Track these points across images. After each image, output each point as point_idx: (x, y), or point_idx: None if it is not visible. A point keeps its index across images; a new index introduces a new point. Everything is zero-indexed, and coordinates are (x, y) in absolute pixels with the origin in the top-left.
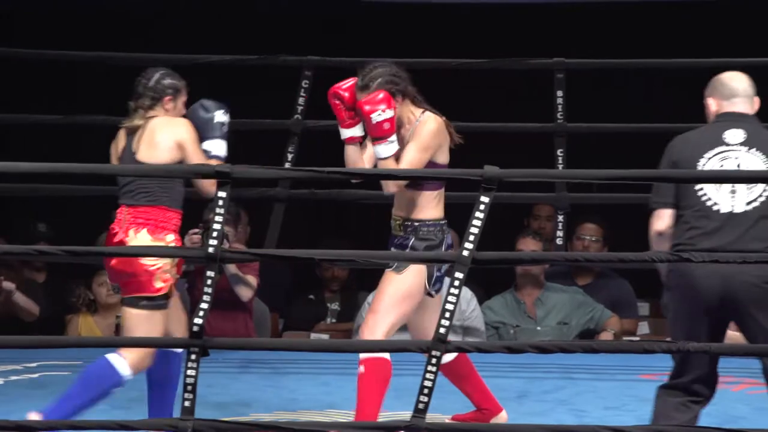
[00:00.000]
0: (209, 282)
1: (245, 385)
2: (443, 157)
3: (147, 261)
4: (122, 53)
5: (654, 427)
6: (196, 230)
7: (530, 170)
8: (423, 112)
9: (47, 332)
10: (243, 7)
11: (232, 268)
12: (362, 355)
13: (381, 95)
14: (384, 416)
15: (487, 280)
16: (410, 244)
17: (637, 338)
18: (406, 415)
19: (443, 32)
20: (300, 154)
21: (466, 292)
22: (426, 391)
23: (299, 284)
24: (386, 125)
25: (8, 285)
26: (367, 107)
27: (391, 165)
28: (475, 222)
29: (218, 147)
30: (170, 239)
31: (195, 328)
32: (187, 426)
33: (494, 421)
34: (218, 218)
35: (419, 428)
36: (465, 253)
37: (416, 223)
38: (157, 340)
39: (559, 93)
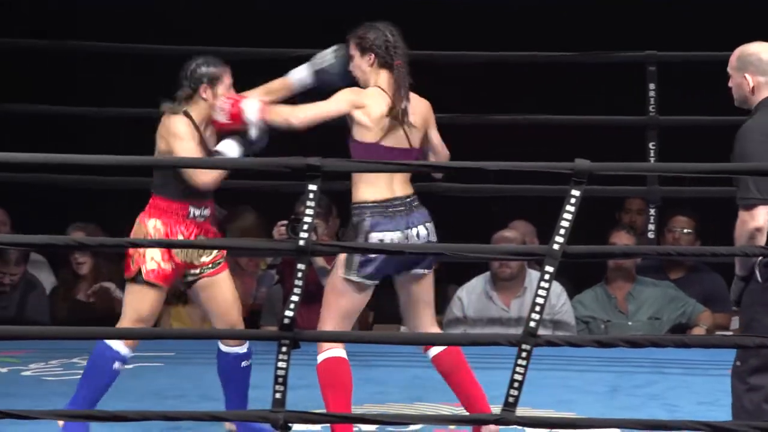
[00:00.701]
0: (300, 275)
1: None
2: (365, 133)
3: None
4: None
5: (753, 424)
6: (284, 222)
7: (621, 163)
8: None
9: None
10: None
11: (319, 261)
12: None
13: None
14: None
15: (577, 275)
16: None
17: (730, 333)
18: (495, 408)
19: (531, 26)
20: None
21: (556, 287)
22: (516, 384)
23: (389, 277)
24: (231, 117)
25: (107, 284)
26: None
27: (274, 111)
28: (566, 216)
29: (229, 148)
30: (151, 224)
31: (286, 321)
32: (278, 418)
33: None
34: (309, 211)
35: (509, 421)
36: (555, 246)
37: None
38: (248, 332)
39: (651, 86)
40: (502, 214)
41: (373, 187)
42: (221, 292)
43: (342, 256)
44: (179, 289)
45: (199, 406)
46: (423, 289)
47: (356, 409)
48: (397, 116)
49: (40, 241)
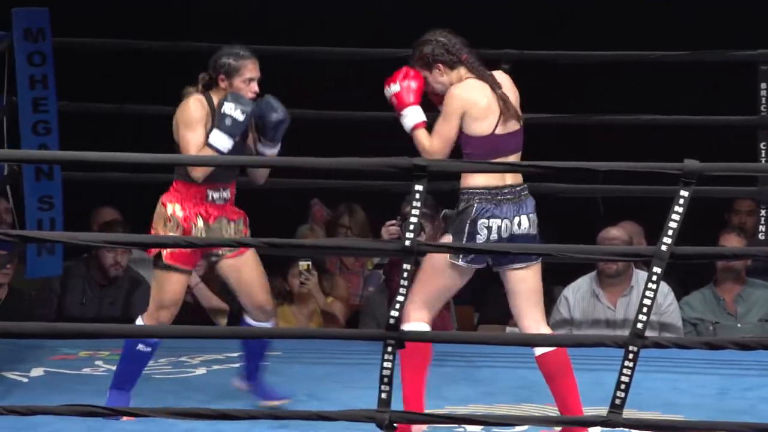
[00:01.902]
0: (405, 275)
1: (440, 378)
2: (477, 127)
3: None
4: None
5: None
6: (394, 222)
7: (732, 164)
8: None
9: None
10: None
11: None
12: None
13: (397, 73)
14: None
15: (685, 277)
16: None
17: None
18: (602, 410)
19: (639, 25)
20: None
21: (663, 286)
22: (623, 386)
23: (495, 277)
24: (393, 100)
25: (194, 278)
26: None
27: (418, 136)
28: (674, 216)
29: (220, 140)
30: (170, 208)
31: (391, 321)
32: (384, 418)
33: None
34: (415, 211)
35: (616, 423)
36: (663, 247)
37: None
38: (354, 332)
39: (763, 85)
40: (609, 215)
41: (484, 174)
42: (246, 273)
43: (448, 238)
44: (284, 289)
45: (307, 405)
46: (524, 283)
47: (461, 409)
48: (499, 102)
49: (151, 240)
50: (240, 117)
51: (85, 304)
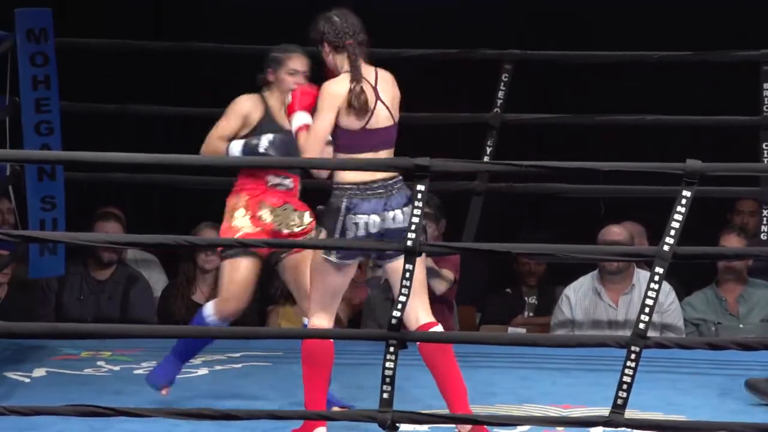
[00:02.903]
0: (407, 275)
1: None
2: (347, 121)
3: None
4: None
5: None
6: None
7: (734, 164)
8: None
9: (249, 323)
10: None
11: (428, 262)
12: None
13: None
14: (582, 411)
15: (687, 277)
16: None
17: None
18: (604, 410)
19: (642, 25)
20: (499, 148)
21: (665, 286)
22: (625, 386)
23: (496, 278)
24: (287, 111)
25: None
26: None
27: (297, 137)
28: (677, 216)
29: (235, 148)
30: (238, 198)
31: (393, 321)
32: (386, 418)
33: None
34: (417, 211)
35: (618, 423)
36: (665, 247)
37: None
38: (356, 332)
39: (766, 86)
40: (611, 215)
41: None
42: (306, 270)
43: (323, 235)
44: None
45: None
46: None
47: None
48: (360, 97)
49: (152, 240)
50: (260, 150)
51: (83, 300)
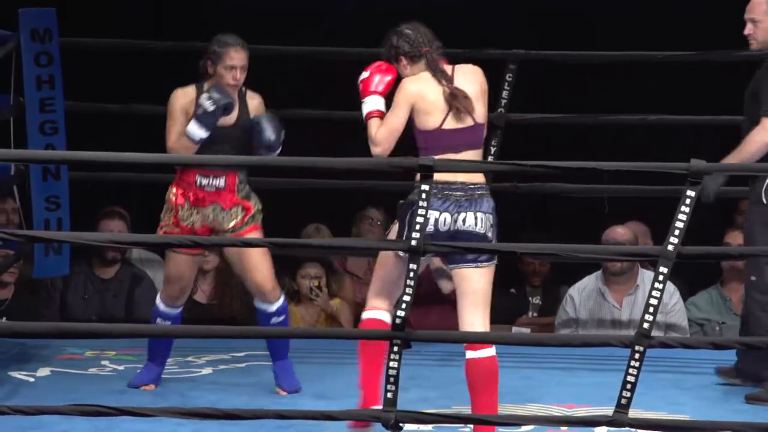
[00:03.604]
0: (411, 274)
1: (446, 378)
2: (425, 120)
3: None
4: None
5: None
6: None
7: (738, 164)
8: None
9: (254, 323)
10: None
11: (436, 262)
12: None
13: (373, 63)
14: (586, 410)
15: (691, 277)
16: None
17: None
18: (608, 410)
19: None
20: (503, 148)
21: (669, 286)
22: (629, 386)
23: (500, 278)
24: (360, 87)
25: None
26: None
27: (369, 124)
28: (681, 216)
29: (192, 128)
30: (171, 191)
31: (397, 321)
32: (389, 417)
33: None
34: (421, 211)
35: (622, 423)
36: (670, 247)
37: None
38: (360, 331)
39: None
40: (615, 215)
41: None
42: (248, 256)
43: (395, 231)
44: (292, 288)
45: (313, 405)
46: (472, 282)
47: (467, 409)
48: (447, 96)
49: (156, 240)
50: (209, 107)
51: (88, 298)
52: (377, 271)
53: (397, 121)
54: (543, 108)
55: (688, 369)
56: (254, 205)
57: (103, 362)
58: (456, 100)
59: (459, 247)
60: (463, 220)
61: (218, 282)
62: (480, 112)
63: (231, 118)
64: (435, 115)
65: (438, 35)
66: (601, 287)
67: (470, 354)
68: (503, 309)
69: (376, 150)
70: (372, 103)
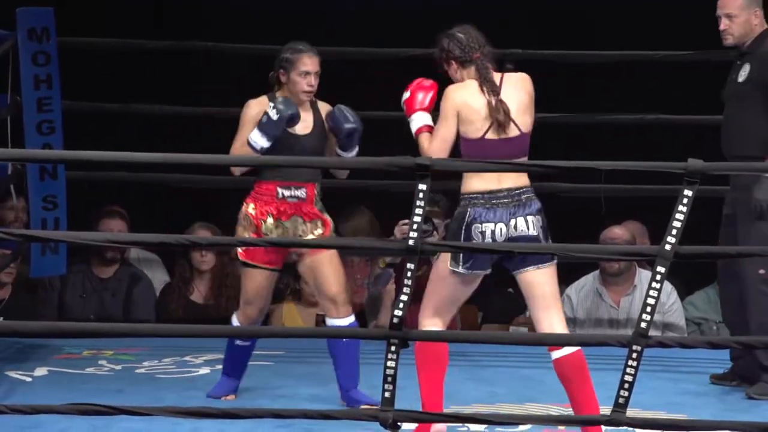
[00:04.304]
0: (409, 274)
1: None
2: (468, 129)
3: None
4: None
5: None
6: (406, 221)
7: (736, 163)
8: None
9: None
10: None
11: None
12: None
13: (413, 82)
14: None
15: (688, 277)
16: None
17: None
18: (606, 409)
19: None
20: None
21: (667, 286)
22: (626, 385)
23: (498, 277)
24: (404, 106)
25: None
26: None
27: (420, 140)
28: (678, 216)
29: (254, 137)
30: (247, 207)
31: (395, 320)
32: (387, 417)
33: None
34: (418, 210)
35: (620, 422)
36: (667, 246)
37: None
38: (357, 331)
39: None
40: (613, 214)
41: (479, 178)
42: (323, 270)
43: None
44: (294, 287)
45: (311, 404)
46: (536, 285)
47: (466, 409)
48: (492, 107)
49: (154, 239)
50: (274, 116)
51: (86, 297)
52: (432, 289)
53: (447, 130)
54: (540, 107)
55: (686, 368)
56: (329, 219)
57: (100, 362)
58: (498, 114)
59: (460, 247)
60: (515, 226)
61: (215, 282)
62: (526, 121)
63: (307, 127)
64: (478, 125)
65: (438, 35)
66: (599, 287)
67: (556, 354)
68: (501, 308)
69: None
70: (419, 120)
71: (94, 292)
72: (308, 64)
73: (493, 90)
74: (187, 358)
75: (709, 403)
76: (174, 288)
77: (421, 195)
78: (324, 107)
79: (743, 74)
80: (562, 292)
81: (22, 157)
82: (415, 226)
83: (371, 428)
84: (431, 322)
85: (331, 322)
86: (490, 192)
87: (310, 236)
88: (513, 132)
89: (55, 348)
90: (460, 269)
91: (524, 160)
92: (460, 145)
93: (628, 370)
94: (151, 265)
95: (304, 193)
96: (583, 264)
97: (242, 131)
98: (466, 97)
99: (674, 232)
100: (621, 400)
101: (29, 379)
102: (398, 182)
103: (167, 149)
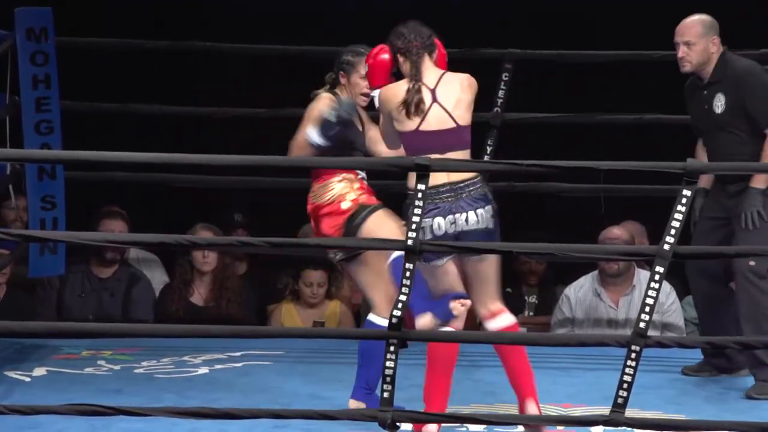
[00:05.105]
0: (408, 274)
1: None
2: (399, 124)
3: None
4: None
5: None
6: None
7: (733, 163)
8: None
9: (250, 323)
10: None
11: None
12: None
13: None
14: (583, 410)
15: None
16: None
17: None
18: (605, 409)
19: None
20: (499, 147)
21: (665, 286)
22: (625, 385)
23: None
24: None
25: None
26: None
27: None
28: (677, 216)
29: (311, 134)
30: (336, 178)
31: (393, 320)
32: (386, 417)
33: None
34: (417, 210)
35: (618, 422)
36: (666, 246)
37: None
38: (355, 331)
39: None
40: (611, 214)
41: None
42: (483, 271)
43: None
44: (294, 288)
45: (309, 404)
46: (481, 269)
47: (465, 409)
48: (413, 100)
49: (153, 239)
50: (332, 118)
51: (85, 297)
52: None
53: (383, 127)
54: (539, 107)
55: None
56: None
57: (99, 362)
58: (411, 97)
59: (455, 247)
60: (466, 220)
61: (215, 284)
62: (463, 116)
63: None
64: (409, 118)
65: (438, 35)
66: (597, 288)
67: (492, 324)
68: None
69: (384, 151)
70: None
71: (93, 292)
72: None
73: (416, 77)
74: (185, 358)
75: (709, 403)
76: (174, 289)
77: (419, 195)
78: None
79: (719, 104)
80: (560, 292)
81: (20, 157)
82: (413, 226)
83: (371, 428)
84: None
85: (372, 319)
86: (433, 187)
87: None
88: (448, 124)
89: (53, 348)
90: (423, 261)
91: (466, 154)
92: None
93: (626, 370)
94: (150, 265)
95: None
96: (582, 264)
97: (307, 125)
98: (389, 94)
99: (673, 232)
100: (620, 400)
101: (28, 380)
102: (398, 182)
103: (166, 149)
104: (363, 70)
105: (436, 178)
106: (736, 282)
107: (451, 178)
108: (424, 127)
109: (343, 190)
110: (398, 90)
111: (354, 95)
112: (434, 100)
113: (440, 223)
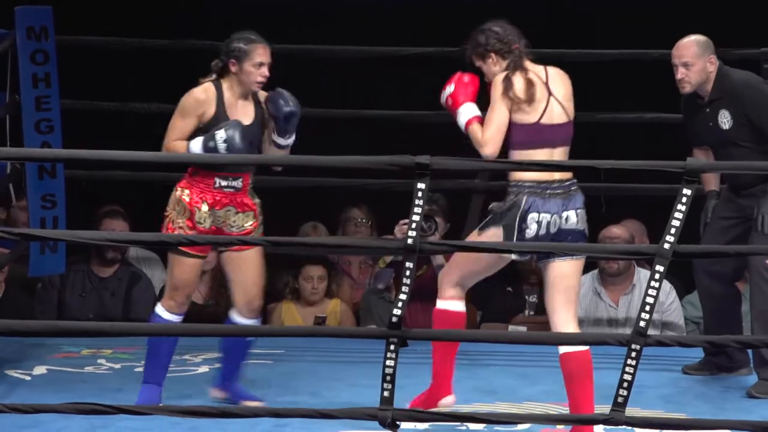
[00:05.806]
0: (408, 273)
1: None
2: (522, 115)
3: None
4: None
5: None
6: (405, 221)
7: (733, 162)
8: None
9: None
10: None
11: (439, 260)
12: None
13: (452, 77)
14: None
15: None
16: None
17: None
18: (605, 408)
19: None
20: None
21: (665, 285)
22: (625, 384)
23: (497, 276)
24: (449, 101)
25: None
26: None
27: (472, 131)
28: (677, 215)
29: (195, 146)
30: (180, 193)
31: (394, 319)
32: (386, 416)
33: (440, 403)
34: (417, 209)
35: (619, 421)
36: (666, 246)
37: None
38: (357, 330)
39: None
40: (612, 213)
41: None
42: (245, 268)
43: (495, 231)
44: (294, 286)
45: (309, 403)
46: (563, 277)
47: (465, 408)
48: (543, 92)
49: (153, 238)
50: (221, 148)
51: (85, 296)
52: (466, 260)
53: (500, 116)
54: None
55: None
56: (258, 207)
57: (99, 361)
58: (549, 96)
59: (455, 246)
60: (566, 219)
61: (215, 283)
62: (571, 109)
63: (249, 117)
64: (531, 110)
65: (438, 35)
66: (597, 287)
67: (564, 349)
68: (500, 308)
69: (486, 151)
70: (467, 111)
71: (93, 291)
72: (263, 54)
73: (540, 77)
74: (185, 357)
75: (709, 403)
76: None
77: (420, 194)
78: (262, 95)
79: (725, 120)
80: None
81: (20, 155)
82: (414, 225)
83: (370, 428)
84: (453, 292)
85: (238, 320)
86: (545, 182)
87: (247, 226)
88: (563, 118)
89: (54, 347)
90: (512, 256)
91: (568, 150)
92: (511, 134)
93: (627, 369)
94: (150, 264)
95: (240, 183)
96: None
97: (181, 122)
98: (517, 84)
99: (673, 231)
100: (620, 399)
101: (28, 378)
102: (399, 181)
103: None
104: (257, 58)
105: (545, 174)
106: (750, 279)
107: (559, 176)
108: (545, 120)
109: (176, 217)
110: (525, 81)
111: (244, 83)
112: (549, 92)
113: (556, 221)
